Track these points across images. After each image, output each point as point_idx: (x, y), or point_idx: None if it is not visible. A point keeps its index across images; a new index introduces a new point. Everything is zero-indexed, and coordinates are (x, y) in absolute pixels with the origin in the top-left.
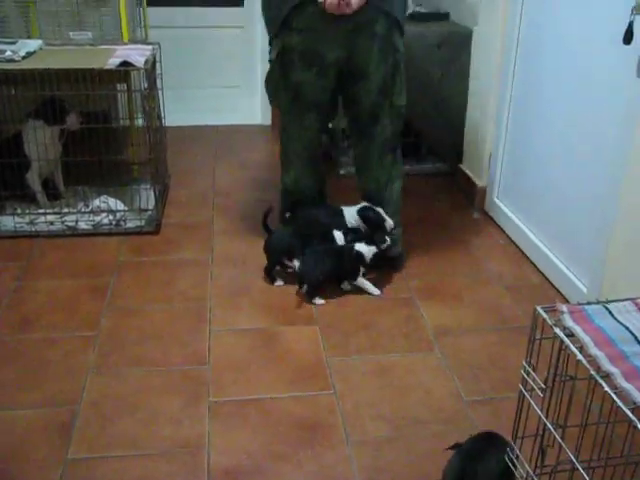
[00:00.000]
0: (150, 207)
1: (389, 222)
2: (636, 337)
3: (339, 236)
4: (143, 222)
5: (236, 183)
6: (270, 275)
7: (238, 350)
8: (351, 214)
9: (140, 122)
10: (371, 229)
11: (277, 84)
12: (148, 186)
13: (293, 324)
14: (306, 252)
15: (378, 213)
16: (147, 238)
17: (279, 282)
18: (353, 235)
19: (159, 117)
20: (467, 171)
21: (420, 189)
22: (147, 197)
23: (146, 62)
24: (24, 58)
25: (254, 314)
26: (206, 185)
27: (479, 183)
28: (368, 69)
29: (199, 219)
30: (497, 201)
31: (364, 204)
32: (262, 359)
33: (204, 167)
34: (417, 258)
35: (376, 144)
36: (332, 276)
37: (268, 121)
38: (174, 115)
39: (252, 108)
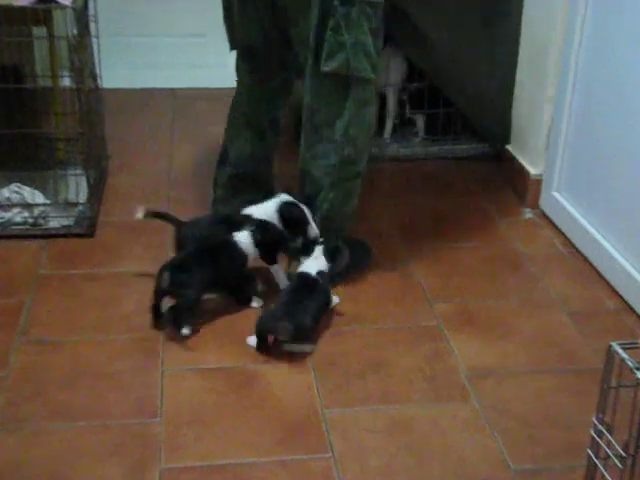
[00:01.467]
0: (81, 200)
1: (313, 229)
2: None
3: (244, 239)
4: (71, 221)
5: (201, 168)
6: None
7: (201, 397)
8: (265, 212)
9: (67, 82)
10: (290, 232)
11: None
12: (78, 171)
13: (278, 362)
14: (171, 259)
15: (302, 211)
16: (77, 243)
17: (185, 330)
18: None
19: (93, 76)
20: (516, 155)
21: (451, 178)
22: (77, 186)
23: None
24: None
25: (223, 348)
26: (159, 171)
27: (533, 171)
28: (295, 12)
29: (149, 217)
30: (557, 195)
31: (284, 197)
32: (234, 410)
33: (156, 146)
34: (446, 273)
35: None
36: (213, 287)
37: None
38: (114, 73)
39: (223, 65)
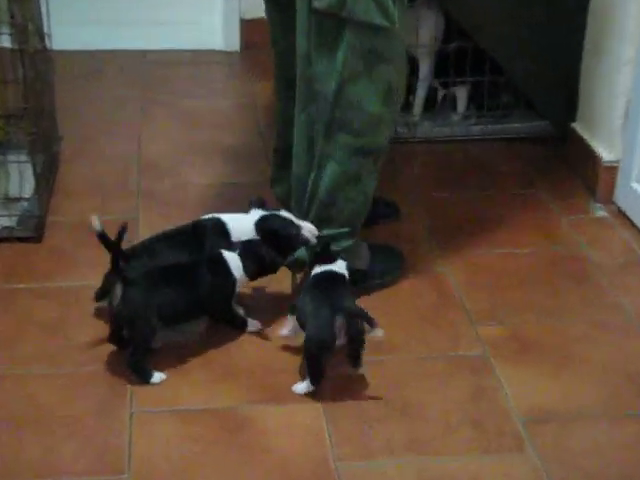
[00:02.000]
0: (26, 194)
1: (306, 226)
2: None
3: (233, 260)
4: (13, 221)
5: (179, 153)
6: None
7: (181, 448)
8: (243, 230)
9: (5, 42)
10: (278, 248)
11: None
12: (22, 157)
13: (278, 401)
14: (132, 277)
15: (285, 220)
16: (20, 248)
17: (157, 376)
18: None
19: (40, 34)
20: (584, 135)
21: (500, 164)
22: (20, 176)
23: None
24: None
25: (210, 384)
26: (125, 156)
27: (606, 156)
28: None
29: (113, 217)
30: (637, 187)
31: (261, 212)
32: (223, 464)
33: (122, 125)
34: (493, 287)
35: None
36: (184, 315)
37: (235, 45)
38: (67, 31)
39: (208, 22)
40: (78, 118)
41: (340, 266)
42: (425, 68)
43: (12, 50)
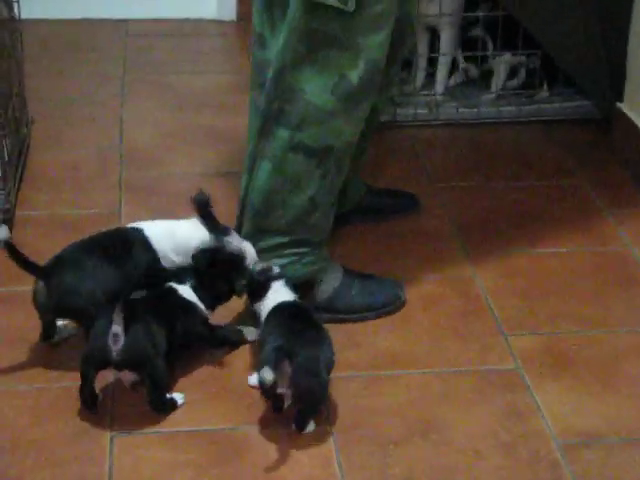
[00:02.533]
0: None
1: (249, 251)
2: None
3: (187, 293)
4: None
5: (166, 139)
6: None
7: (170, 475)
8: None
9: None
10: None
11: None
12: None
13: (282, 422)
14: (102, 316)
15: (227, 254)
16: None
17: (179, 399)
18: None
19: (6, 1)
20: (632, 117)
21: (535, 150)
22: None
23: None
24: None
25: (204, 402)
26: (105, 142)
27: None
28: None
29: (92, 211)
30: None
31: (202, 235)
32: None
33: (101, 105)
34: (527, 292)
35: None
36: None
37: (230, 14)
38: None
39: None
40: (51, 98)
41: (280, 292)
42: (447, 40)
43: None
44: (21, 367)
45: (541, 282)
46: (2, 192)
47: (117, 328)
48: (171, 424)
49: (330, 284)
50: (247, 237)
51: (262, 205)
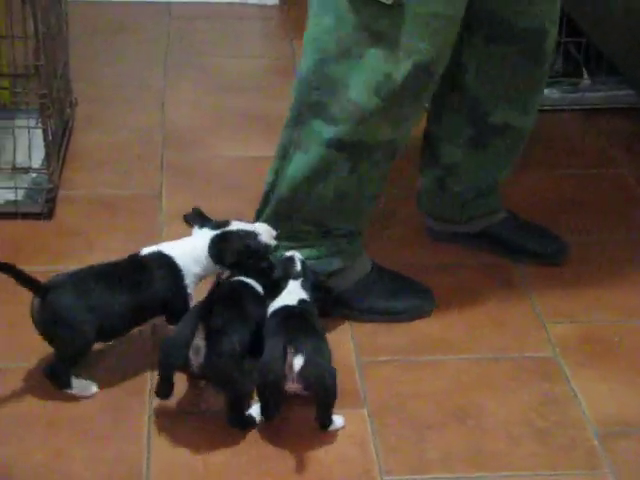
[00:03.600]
0: (35, 164)
1: (262, 229)
2: None
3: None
4: (20, 194)
5: (207, 122)
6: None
7: (205, 456)
8: (195, 261)
9: None
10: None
11: None
12: (31, 122)
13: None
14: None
15: (240, 234)
16: (28, 226)
17: (254, 414)
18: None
19: None
20: None
21: (573, 138)
22: (29, 144)
23: None
24: None
25: None
26: (147, 123)
27: None
28: None
29: (133, 192)
30: None
31: (208, 232)
32: (253, 475)
33: (143, 87)
34: (565, 280)
35: None
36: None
37: None
38: None
39: None
40: (94, 80)
41: (294, 292)
42: None
43: (22, 1)
44: None
45: (581, 270)
46: (45, 172)
47: (200, 342)
48: (208, 405)
49: (351, 277)
50: (267, 221)
51: (288, 192)
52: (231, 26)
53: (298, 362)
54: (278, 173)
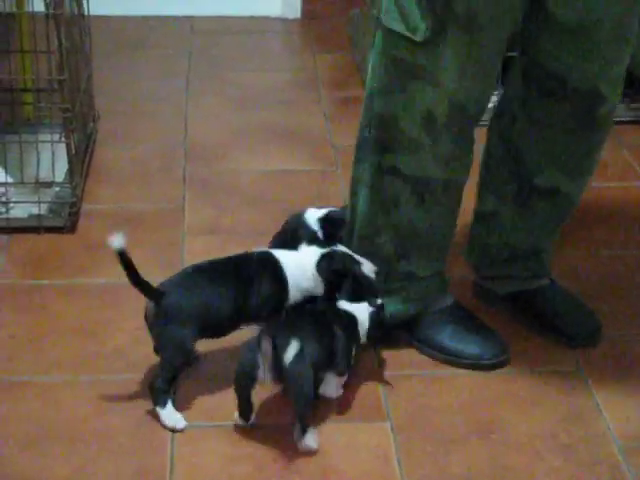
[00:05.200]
0: (58, 178)
1: (364, 262)
2: None
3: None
4: (44, 208)
5: (230, 135)
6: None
7: (229, 468)
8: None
9: (38, 6)
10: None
11: None
12: (55, 136)
13: (340, 417)
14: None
15: (348, 257)
16: (51, 240)
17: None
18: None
19: None
20: None
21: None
22: (52, 158)
23: None
24: None
25: (262, 396)
26: (170, 138)
27: None
28: None
29: (156, 206)
30: None
31: (316, 249)
32: None
33: (166, 101)
34: (590, 292)
35: None
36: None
37: (295, 11)
38: None
39: None
40: (117, 94)
41: (361, 309)
42: None
43: (45, 16)
44: (83, 358)
45: (605, 284)
46: (69, 186)
47: (267, 347)
48: (231, 418)
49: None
50: None
51: (365, 230)
52: (253, 40)
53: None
54: (353, 212)
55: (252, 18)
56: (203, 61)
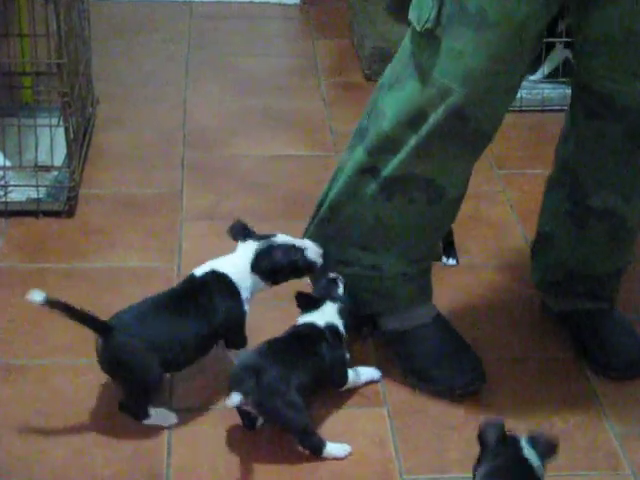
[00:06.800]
0: (57, 163)
1: (308, 245)
2: None
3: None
4: (42, 192)
5: (229, 120)
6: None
7: (226, 454)
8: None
9: None
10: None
11: None
12: (53, 120)
13: (336, 402)
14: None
15: (284, 248)
16: (50, 224)
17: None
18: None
19: None
20: None
21: None
22: (51, 142)
23: None
24: None
25: None
26: (169, 123)
27: None
28: None
29: (154, 190)
30: None
31: (252, 245)
32: (274, 473)
33: (165, 86)
34: None
35: None
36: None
37: None
38: None
39: None
40: (116, 79)
41: (327, 313)
42: None
43: (45, 0)
44: (82, 342)
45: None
46: (67, 170)
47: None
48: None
49: (404, 322)
50: (313, 240)
51: (329, 213)
52: (252, 25)
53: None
54: (326, 194)
55: (251, 3)
56: (202, 46)
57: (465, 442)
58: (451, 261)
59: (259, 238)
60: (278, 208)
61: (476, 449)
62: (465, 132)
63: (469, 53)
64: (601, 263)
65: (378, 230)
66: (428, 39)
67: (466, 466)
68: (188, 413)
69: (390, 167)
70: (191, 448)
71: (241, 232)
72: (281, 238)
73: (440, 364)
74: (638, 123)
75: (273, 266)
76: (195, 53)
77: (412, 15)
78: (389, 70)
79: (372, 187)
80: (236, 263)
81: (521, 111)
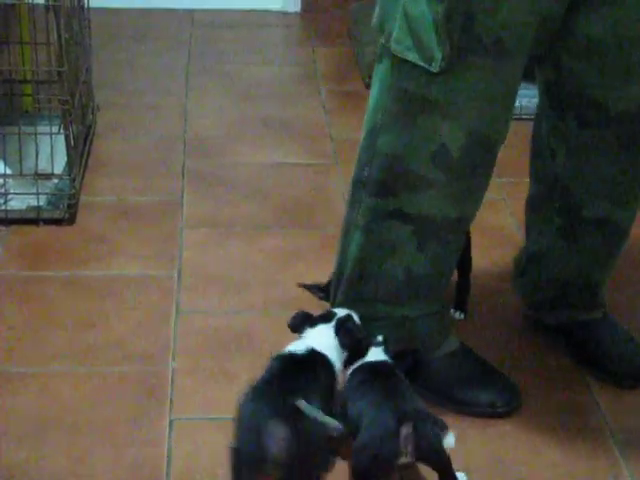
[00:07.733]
0: (57, 170)
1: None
2: None
3: (377, 353)
4: (42, 200)
5: (230, 128)
6: None
7: (226, 462)
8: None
9: None
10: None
11: None
12: (54, 129)
13: None
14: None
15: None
16: (50, 232)
17: None
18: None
19: None
20: None
21: None
22: (51, 150)
23: None
24: None
25: None
26: (169, 131)
27: None
28: None
29: (154, 198)
30: None
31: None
32: None
33: (166, 94)
34: None
35: None
36: None
37: (295, 5)
38: None
39: None
40: (117, 87)
41: (377, 354)
42: None
43: (45, 7)
44: (82, 349)
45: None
46: (67, 178)
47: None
48: (229, 411)
49: (433, 353)
50: (341, 305)
51: (356, 275)
52: (253, 33)
53: (408, 432)
54: (343, 255)
55: (252, 11)
56: (203, 54)
57: (464, 448)
58: (459, 315)
59: (324, 319)
60: (278, 216)
61: (477, 456)
62: (486, 161)
63: (490, 82)
64: (596, 272)
65: (408, 283)
66: (442, 76)
67: (466, 474)
68: (189, 422)
69: (419, 207)
70: (191, 458)
71: (306, 321)
72: (338, 312)
73: (477, 388)
74: (633, 128)
75: (355, 335)
76: (196, 61)
77: (413, 56)
78: (380, 113)
79: (402, 234)
80: (329, 343)
81: (521, 119)
